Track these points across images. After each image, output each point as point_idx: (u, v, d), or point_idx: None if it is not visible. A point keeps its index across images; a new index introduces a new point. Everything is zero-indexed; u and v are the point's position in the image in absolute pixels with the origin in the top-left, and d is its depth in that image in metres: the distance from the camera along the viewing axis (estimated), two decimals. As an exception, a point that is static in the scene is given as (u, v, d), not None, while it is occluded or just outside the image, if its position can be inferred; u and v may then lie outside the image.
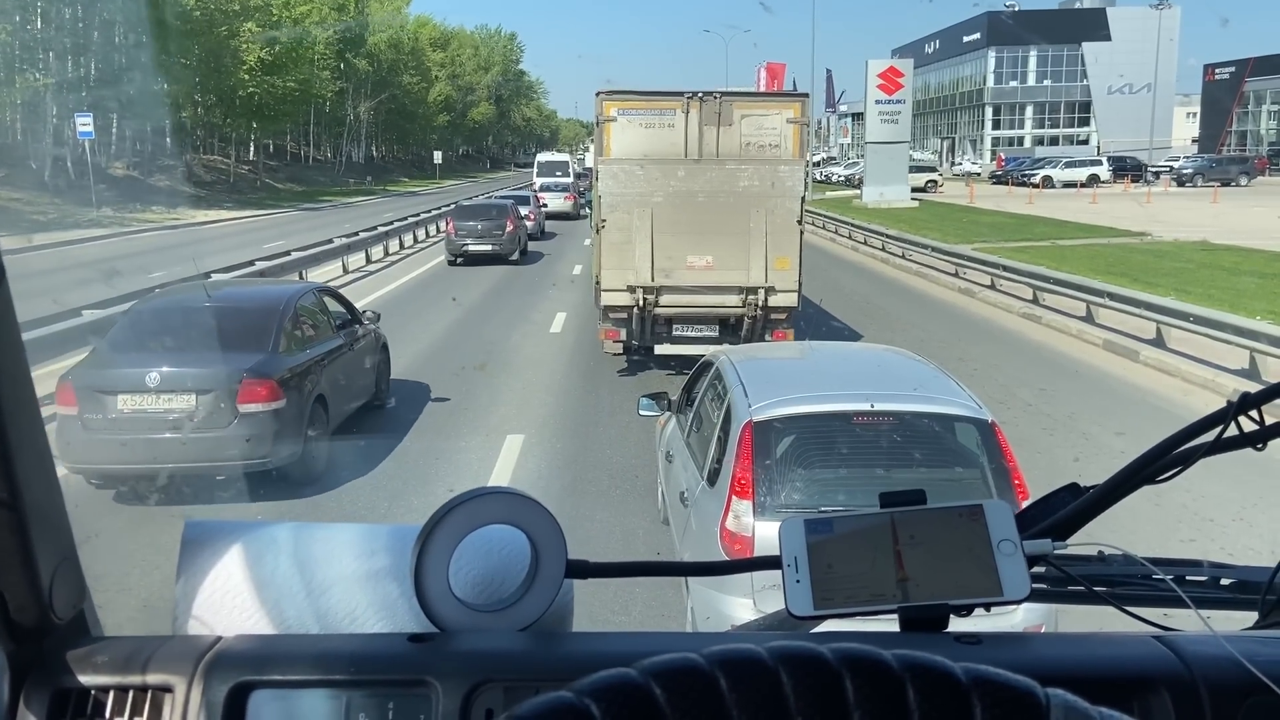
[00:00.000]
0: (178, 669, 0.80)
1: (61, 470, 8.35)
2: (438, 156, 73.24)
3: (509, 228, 21.92)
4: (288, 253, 18.44)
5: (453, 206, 26.32)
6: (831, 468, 4.52)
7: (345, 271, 19.94)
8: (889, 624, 0.78)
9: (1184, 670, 0.70)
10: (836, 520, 0.82)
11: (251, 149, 58.47)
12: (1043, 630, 3.59)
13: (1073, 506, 0.87)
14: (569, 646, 0.82)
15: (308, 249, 19.02)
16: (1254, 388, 0.82)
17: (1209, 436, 0.80)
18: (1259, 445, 0.79)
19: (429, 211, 31.63)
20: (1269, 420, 0.79)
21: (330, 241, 20.30)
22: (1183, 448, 0.82)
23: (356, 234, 22.07)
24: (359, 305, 9.88)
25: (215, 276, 13.95)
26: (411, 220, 28.02)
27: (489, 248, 21.58)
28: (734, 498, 4.23)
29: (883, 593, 0.78)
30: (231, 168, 52.99)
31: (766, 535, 4.02)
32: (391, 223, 26.42)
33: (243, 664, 0.80)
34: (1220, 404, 0.81)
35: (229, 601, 0.88)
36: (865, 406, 4.47)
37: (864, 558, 0.79)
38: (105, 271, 15.57)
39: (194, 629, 0.88)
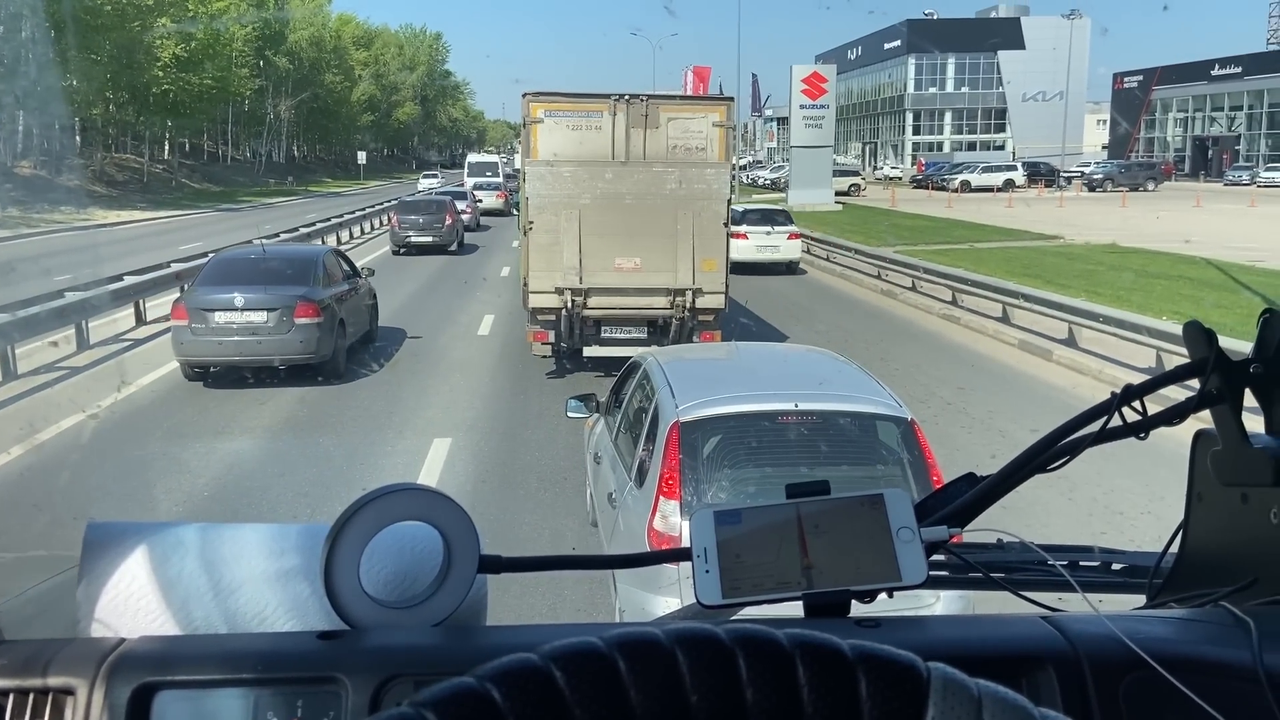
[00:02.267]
0: (80, 671, 0.78)
1: (174, 363, 10.52)
2: (362, 157, 71.97)
3: (448, 221, 24.24)
4: (205, 254, 17.92)
5: (394, 202, 28.89)
6: (757, 466, 4.58)
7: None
8: (796, 611, 0.80)
9: (1069, 648, 0.73)
10: (745, 512, 0.84)
11: (166, 148, 56.74)
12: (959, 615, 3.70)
13: (969, 495, 0.90)
14: (481, 640, 0.82)
15: (225, 250, 18.50)
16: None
17: (1095, 426, 0.84)
18: (1141, 435, 0.83)
19: (353, 213, 31.22)
20: (1151, 410, 0.83)
21: (250, 243, 19.78)
22: (1071, 438, 0.85)
23: (277, 235, 21.63)
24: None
25: (128, 279, 13.91)
26: (335, 221, 27.71)
27: (430, 239, 23.78)
28: (661, 498, 4.25)
29: (788, 580, 0.79)
30: (145, 167, 51.32)
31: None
32: (314, 223, 25.99)
33: (147, 665, 0.78)
34: None
35: (133, 603, 0.87)
36: (790, 406, 4.54)
37: (770, 547, 0.81)
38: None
39: (97, 631, 0.86)
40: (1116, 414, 0.82)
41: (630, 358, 6.26)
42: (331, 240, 25.46)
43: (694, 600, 0.81)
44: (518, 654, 0.44)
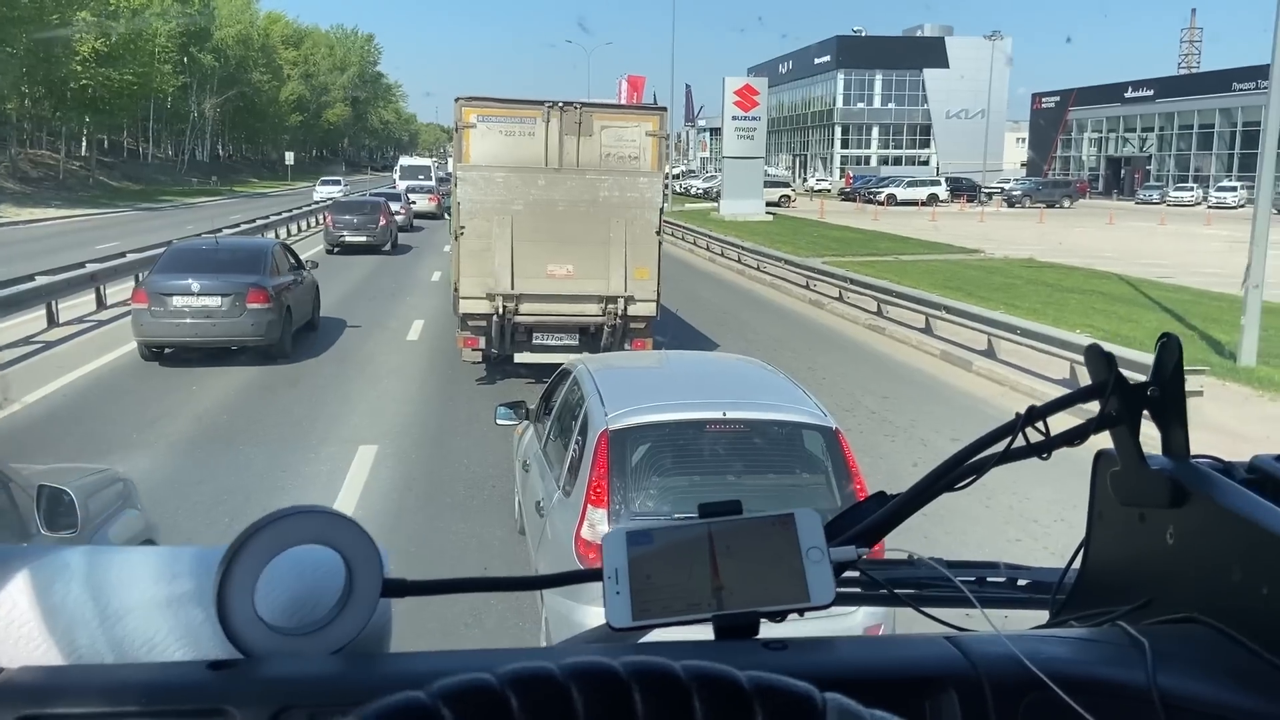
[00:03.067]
0: None
1: (134, 342, 11.28)
2: (289, 157, 70.53)
3: (382, 221, 24.90)
4: (123, 254, 17.37)
5: (329, 203, 29.88)
6: (685, 475, 4.61)
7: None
8: (706, 633, 0.80)
9: (970, 669, 0.73)
10: (657, 531, 0.83)
11: (84, 144, 54.77)
12: (881, 631, 3.78)
13: (879, 514, 0.91)
14: (382, 668, 0.79)
15: (145, 250, 17.96)
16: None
17: (999, 446, 0.86)
18: (1044, 455, 0.85)
19: (280, 214, 30.60)
20: (1054, 430, 0.86)
21: (170, 244, 19.20)
22: (976, 457, 0.87)
23: (199, 236, 21.01)
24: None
25: (40, 279, 13.54)
26: (261, 222, 27.17)
27: (364, 238, 24.37)
28: (589, 506, 4.26)
29: (698, 602, 0.79)
30: (62, 164, 49.48)
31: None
32: (238, 224, 25.39)
33: (26, 696, 0.74)
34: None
35: (13, 631, 0.82)
36: (718, 415, 4.58)
37: (682, 568, 0.80)
38: None
39: None
40: (1020, 435, 0.84)
41: (561, 364, 6.25)
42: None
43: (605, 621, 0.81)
44: (405, 693, 0.44)
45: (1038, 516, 6.73)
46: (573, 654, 0.47)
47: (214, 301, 11.05)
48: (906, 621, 1.01)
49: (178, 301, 11.04)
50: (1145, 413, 0.83)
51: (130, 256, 17.18)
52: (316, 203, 36.91)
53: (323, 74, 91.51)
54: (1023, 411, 0.85)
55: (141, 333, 11.23)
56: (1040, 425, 0.84)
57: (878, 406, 10.27)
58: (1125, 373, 0.83)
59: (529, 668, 0.45)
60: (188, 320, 11.07)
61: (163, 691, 0.75)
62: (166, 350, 11.47)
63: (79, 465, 4.32)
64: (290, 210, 32.84)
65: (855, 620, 3.66)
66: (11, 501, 3.76)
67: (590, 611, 3.97)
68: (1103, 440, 0.87)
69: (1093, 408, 0.84)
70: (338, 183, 44.78)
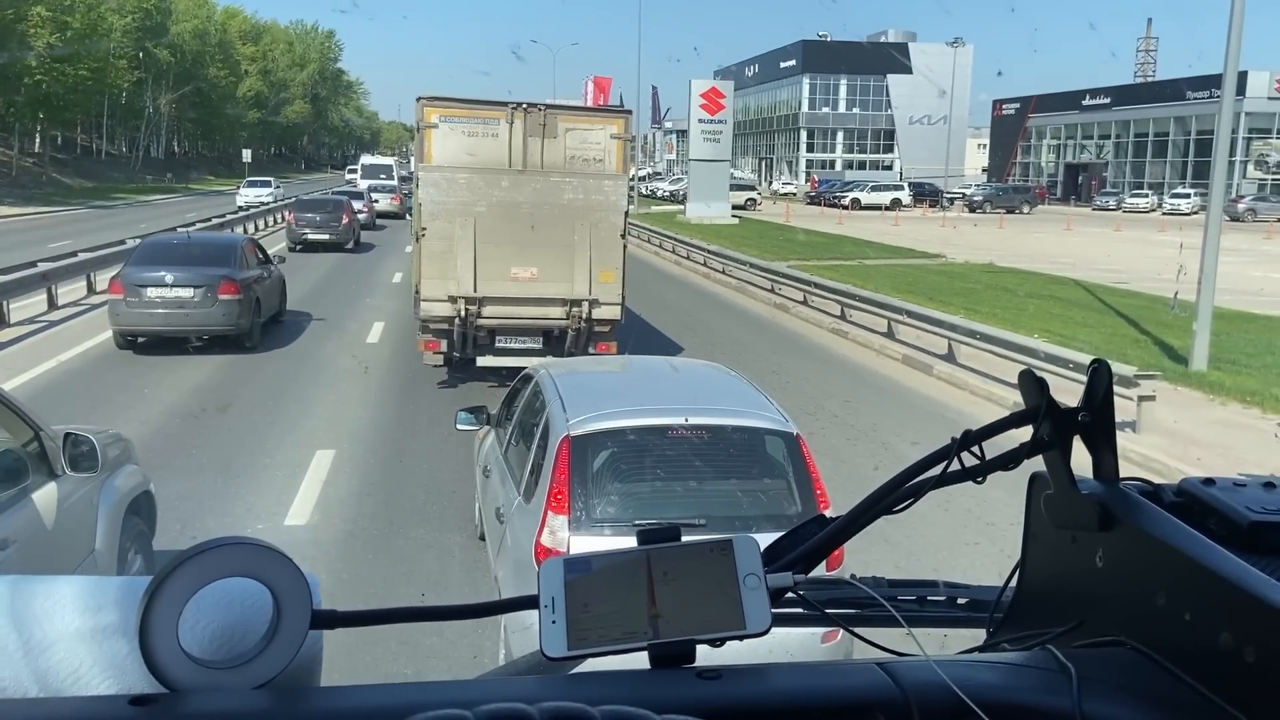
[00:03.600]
0: None
1: (109, 331, 11.84)
2: (247, 155, 69.51)
3: (344, 220, 25.17)
4: (74, 253, 17.03)
5: (293, 200, 29.78)
6: (647, 481, 4.60)
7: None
8: (641, 660, 0.79)
9: (900, 695, 0.73)
10: (595, 558, 0.83)
11: (37, 141, 53.68)
12: (838, 639, 3.78)
13: (818, 538, 0.92)
14: (308, 703, 0.78)
15: (97, 250, 17.64)
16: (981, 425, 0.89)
17: (936, 470, 0.87)
18: (979, 479, 0.86)
19: (236, 212, 30.24)
20: (990, 454, 0.87)
21: (123, 243, 18.91)
22: (914, 481, 0.88)
23: (153, 235, 20.71)
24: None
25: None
26: (217, 221, 26.83)
27: (326, 236, 24.61)
28: (550, 513, 4.23)
29: (635, 630, 0.79)
30: (14, 160, 48.46)
31: (583, 550, 4.04)
32: (193, 224, 25.02)
33: None
34: (1002, 414, 0.88)
35: None
36: (680, 420, 4.57)
37: (619, 596, 0.80)
38: None
39: None
40: (956, 459, 0.86)
41: (524, 368, 6.21)
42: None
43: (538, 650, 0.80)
44: None
45: (994, 520, 6.81)
46: (499, 690, 0.46)
47: (187, 293, 11.69)
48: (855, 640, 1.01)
49: (152, 293, 11.64)
50: (1076, 438, 0.84)
51: (83, 255, 16.87)
52: (240, 210, 32.63)
53: (282, 70, 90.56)
54: (958, 436, 0.86)
55: (118, 322, 11.81)
56: (976, 450, 0.85)
57: (840, 410, 10.33)
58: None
59: (445, 715, 0.44)
60: (161, 310, 11.68)
61: None
62: (140, 339, 11.99)
63: (84, 425, 4.54)
64: (247, 208, 32.45)
65: (809, 633, 3.66)
66: (41, 446, 4.24)
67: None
68: (1037, 462, 0.89)
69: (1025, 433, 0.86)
70: (267, 184, 39.63)
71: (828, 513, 3.31)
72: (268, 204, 33.96)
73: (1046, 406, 0.82)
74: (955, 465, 0.85)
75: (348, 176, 53.40)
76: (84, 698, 0.78)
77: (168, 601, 0.76)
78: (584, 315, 10.19)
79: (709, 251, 24.17)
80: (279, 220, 30.64)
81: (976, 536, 6.58)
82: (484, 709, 0.44)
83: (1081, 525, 0.84)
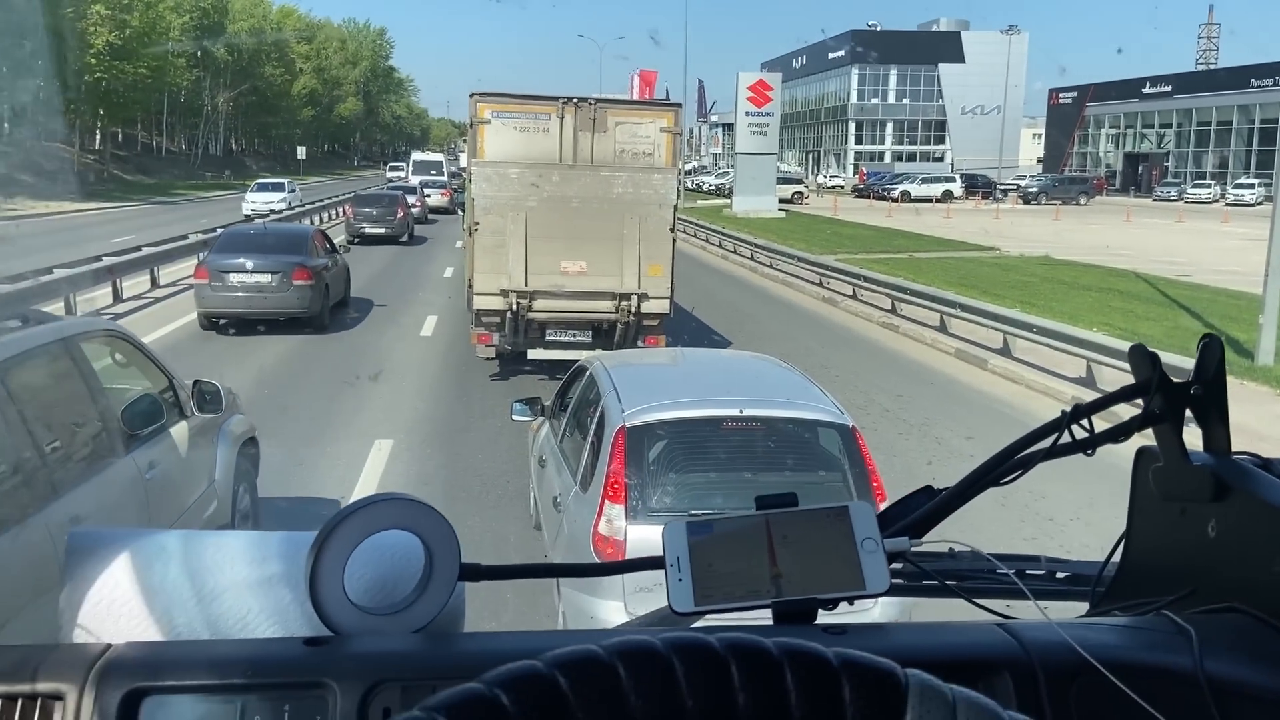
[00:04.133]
0: (68, 676, 0.78)
1: (194, 313, 13.19)
2: (301, 152, 70.73)
3: (399, 214, 26.17)
4: (138, 248, 17.49)
5: (351, 195, 30.90)
6: (702, 472, 4.62)
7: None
8: (764, 618, 0.83)
9: (1023, 654, 0.77)
10: (716, 522, 0.87)
11: (98, 138, 55.10)
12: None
13: (927, 507, 0.95)
14: (463, 646, 0.85)
15: (160, 245, 18.10)
16: (1090, 395, 0.91)
17: (1046, 443, 0.89)
18: (1089, 451, 0.88)
19: (293, 208, 30.80)
20: (1098, 428, 0.88)
21: (185, 238, 19.38)
22: (1023, 453, 0.90)
23: (214, 230, 21.17)
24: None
25: (58, 272, 13.77)
26: (274, 218, 27.30)
27: (383, 230, 25.63)
28: (606, 502, 4.27)
29: (758, 589, 0.83)
30: (76, 157, 49.79)
31: (639, 539, 4.08)
32: (251, 218, 25.51)
33: (135, 670, 0.79)
34: (1059, 409, 0.89)
35: (116, 610, 0.87)
36: (735, 412, 4.59)
37: (741, 556, 0.84)
38: None
39: (80, 637, 0.87)
40: (1066, 431, 0.87)
41: (574, 361, 6.26)
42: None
43: (664, 605, 0.85)
44: (524, 661, 0.47)
45: (1053, 515, 6.71)
46: (661, 631, 0.49)
47: (265, 278, 12.79)
48: (946, 609, 1.03)
49: (234, 278, 12.75)
50: (1187, 410, 0.85)
51: (146, 250, 17.31)
52: (245, 219, 26.14)
53: (335, 68, 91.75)
54: (1068, 409, 0.88)
55: (203, 305, 13.00)
56: (1084, 422, 0.87)
57: (892, 404, 10.25)
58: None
59: (633, 640, 0.48)
60: (241, 294, 12.77)
61: (264, 666, 0.79)
62: (222, 321, 13.10)
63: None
64: (306, 205, 33.03)
65: (874, 614, 3.64)
66: (175, 392, 5.03)
67: (607, 605, 3.99)
68: (1141, 437, 0.90)
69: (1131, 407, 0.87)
70: (280, 188, 34.48)
71: (880, 505, 3.33)
72: (280, 212, 29.55)
73: (1158, 380, 0.84)
74: (1065, 438, 0.87)
75: (389, 175, 52.83)
76: (262, 639, 0.85)
77: (334, 553, 0.82)
78: (633, 309, 10.22)
79: (756, 245, 24.07)
80: (338, 215, 31.27)
81: (1034, 531, 6.50)
82: (610, 642, 0.48)
83: (1193, 497, 0.86)
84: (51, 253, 16.51)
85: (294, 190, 35.57)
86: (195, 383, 5.11)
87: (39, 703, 0.78)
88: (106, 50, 43.96)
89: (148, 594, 0.87)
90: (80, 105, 46.89)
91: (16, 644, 0.85)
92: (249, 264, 12.80)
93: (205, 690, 0.78)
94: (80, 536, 0.91)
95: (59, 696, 0.78)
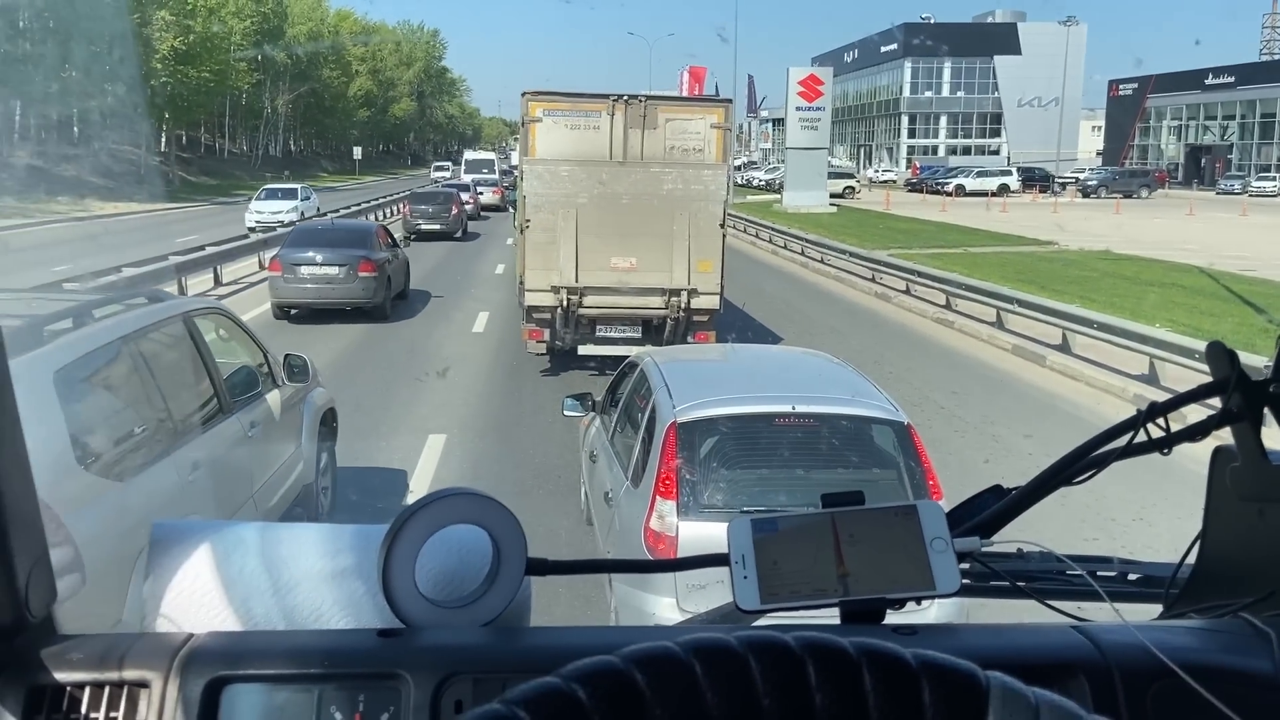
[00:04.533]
0: (153, 665, 0.81)
1: (267, 304, 14.18)
2: (357, 152, 71.82)
3: (454, 210, 27.12)
4: (202, 247, 17.94)
5: (407, 193, 32.59)
6: (754, 468, 4.59)
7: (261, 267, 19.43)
8: (831, 616, 0.82)
9: (1099, 657, 0.76)
10: (781, 519, 0.87)
11: (164, 140, 56.50)
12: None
13: (997, 507, 0.93)
14: (532, 640, 0.86)
15: (222, 244, 18.55)
16: (1153, 393, 0.88)
17: (1121, 441, 0.86)
18: (1165, 450, 0.86)
19: (349, 207, 31.30)
20: (1174, 427, 0.86)
21: (246, 236, 19.87)
22: (1097, 452, 0.88)
23: (274, 229, 21.72)
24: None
25: (127, 271, 14.24)
26: (332, 217, 27.87)
27: (438, 226, 26.53)
28: (658, 498, 4.27)
29: (825, 587, 0.82)
30: (142, 159, 51.12)
31: (690, 535, 4.07)
32: (309, 218, 25.99)
33: (216, 659, 0.81)
34: (1121, 407, 0.87)
35: (197, 600, 0.90)
36: (787, 408, 4.55)
37: (807, 554, 0.83)
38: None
39: (162, 627, 0.89)
40: (1142, 430, 0.85)
41: (625, 357, 6.28)
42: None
43: (728, 603, 0.84)
44: (600, 656, 0.47)
45: (1115, 515, 6.56)
46: (732, 630, 0.49)
47: (333, 270, 13.76)
48: (1012, 610, 1.02)
49: (305, 270, 13.74)
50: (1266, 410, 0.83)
51: (209, 249, 17.80)
52: (250, 232, 23.14)
53: (389, 69, 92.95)
54: (1144, 408, 0.86)
55: (277, 295, 13.93)
56: (1160, 421, 0.86)
57: (947, 402, 10.10)
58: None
59: (708, 638, 0.47)
60: (311, 285, 13.70)
61: (339, 657, 0.81)
62: (293, 310, 13.93)
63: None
64: (359, 204, 33.57)
65: (930, 614, 3.59)
66: (269, 363, 5.69)
67: (660, 601, 4.00)
68: (1217, 437, 0.88)
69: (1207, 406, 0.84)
70: (292, 194, 30.00)
71: (942, 503, 3.24)
72: (292, 223, 23.02)
73: (1237, 378, 0.82)
74: (1140, 437, 0.85)
75: (433, 176, 52.37)
76: (337, 630, 0.87)
77: (405, 546, 0.83)
78: (683, 305, 10.22)
79: (806, 240, 23.87)
80: (395, 212, 31.95)
81: (1095, 532, 6.35)
82: (686, 639, 0.47)
83: (1272, 497, 0.84)
84: (122, 252, 16.98)
85: (309, 197, 30.57)
86: (286, 356, 5.82)
87: (125, 690, 0.80)
88: (171, 55, 45.04)
89: (227, 585, 0.89)
90: (148, 109, 48.13)
91: (101, 633, 0.87)
92: (318, 257, 13.78)
93: (283, 680, 0.80)
94: (163, 528, 0.93)
95: (144, 684, 0.80)
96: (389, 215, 32.59)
